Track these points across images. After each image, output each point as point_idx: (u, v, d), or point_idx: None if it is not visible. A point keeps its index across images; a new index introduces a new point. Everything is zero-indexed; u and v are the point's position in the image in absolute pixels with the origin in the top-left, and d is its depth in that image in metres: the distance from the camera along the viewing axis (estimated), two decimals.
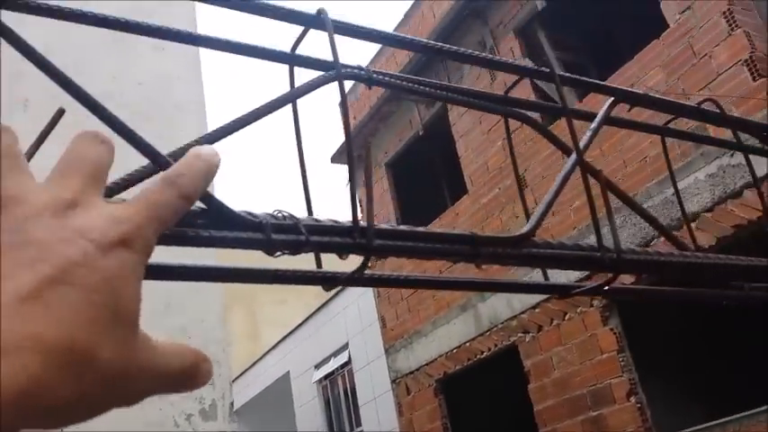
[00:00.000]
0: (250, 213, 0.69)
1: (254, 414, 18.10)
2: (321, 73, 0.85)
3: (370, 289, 12.89)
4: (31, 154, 0.60)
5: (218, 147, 0.62)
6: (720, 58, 7.11)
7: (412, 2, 11.63)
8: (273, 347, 17.00)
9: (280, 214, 0.72)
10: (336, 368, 14.21)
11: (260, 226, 0.67)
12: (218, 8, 0.74)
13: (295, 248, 0.69)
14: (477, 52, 0.96)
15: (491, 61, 0.96)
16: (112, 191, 0.56)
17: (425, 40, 0.87)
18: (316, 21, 0.83)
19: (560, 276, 6.06)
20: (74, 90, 0.62)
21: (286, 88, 0.82)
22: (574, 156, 0.85)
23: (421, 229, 0.72)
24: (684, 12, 7.58)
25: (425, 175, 12.72)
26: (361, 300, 13.24)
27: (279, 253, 0.72)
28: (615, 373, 7.90)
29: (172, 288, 4.94)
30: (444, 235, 0.70)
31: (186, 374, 0.40)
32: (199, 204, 0.68)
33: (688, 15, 7.53)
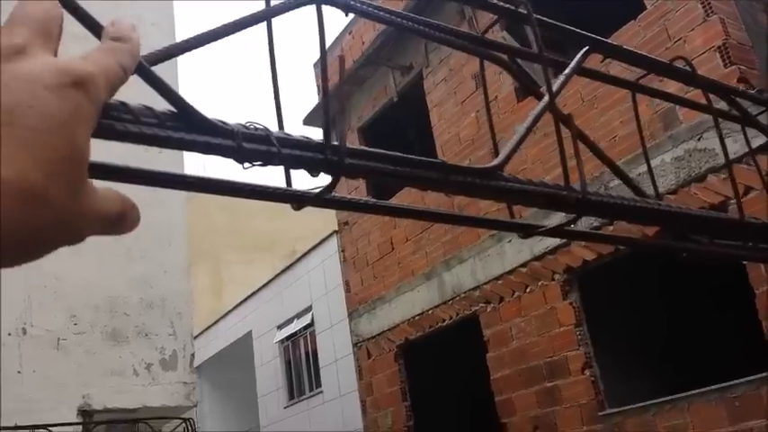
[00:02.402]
0: (221, 121, 0.69)
1: (215, 371, 18.16)
2: None
3: (336, 253, 12.92)
4: None
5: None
6: (694, 43, 7.18)
7: None
8: (237, 306, 17.02)
9: (252, 125, 0.72)
10: (299, 330, 14.28)
11: (231, 133, 0.67)
12: None
13: (266, 160, 0.69)
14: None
15: None
16: None
17: None
18: None
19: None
20: None
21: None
22: (546, 98, 0.86)
23: (393, 153, 0.73)
24: None
25: (397, 142, 12.71)
26: (326, 263, 13.27)
27: (248, 165, 0.72)
28: (572, 346, 8.07)
29: (137, 237, 4.89)
30: (415, 160, 0.71)
31: (118, 219, 0.42)
32: (169, 107, 0.68)
33: None
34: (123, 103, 0.61)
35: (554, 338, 8.28)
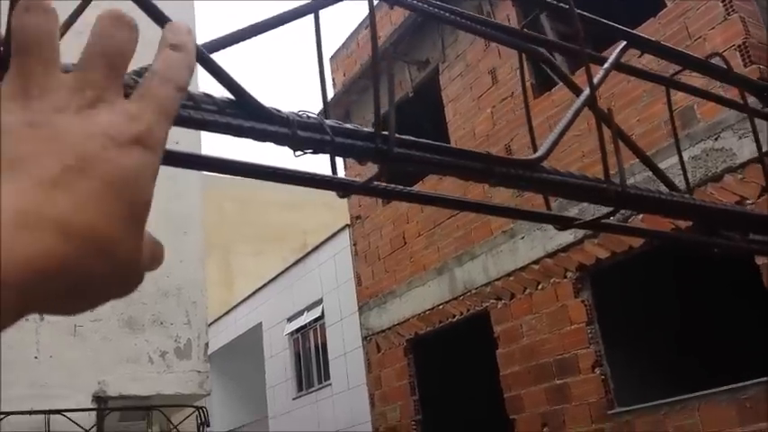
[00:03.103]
0: (276, 109, 0.70)
1: (225, 362, 18.25)
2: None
3: (347, 246, 12.95)
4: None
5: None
6: (714, 41, 7.14)
7: None
8: (247, 298, 17.09)
9: (304, 114, 0.73)
10: (309, 322, 14.33)
11: (287, 121, 0.69)
12: None
13: (319, 147, 0.71)
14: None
15: None
16: None
17: None
18: None
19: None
20: None
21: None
22: (586, 92, 0.87)
23: (440, 143, 0.74)
24: None
25: (414, 137, 12.70)
26: (337, 257, 13.30)
27: (299, 153, 0.73)
28: (582, 344, 8.06)
29: (154, 226, 4.91)
30: (461, 151, 0.72)
31: (152, 259, 0.41)
32: (228, 95, 0.69)
33: None
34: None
35: (565, 336, 8.28)
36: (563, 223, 0.88)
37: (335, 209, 19.53)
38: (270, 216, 21.47)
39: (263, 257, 20.47)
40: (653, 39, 1.01)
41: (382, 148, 0.70)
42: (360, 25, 12.72)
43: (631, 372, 8.05)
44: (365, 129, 0.72)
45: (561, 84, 0.93)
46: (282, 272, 15.52)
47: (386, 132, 0.71)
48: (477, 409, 11.01)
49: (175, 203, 4.70)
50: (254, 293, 16.77)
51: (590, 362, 7.98)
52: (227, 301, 18.24)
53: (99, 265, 0.34)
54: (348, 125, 0.74)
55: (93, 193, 0.34)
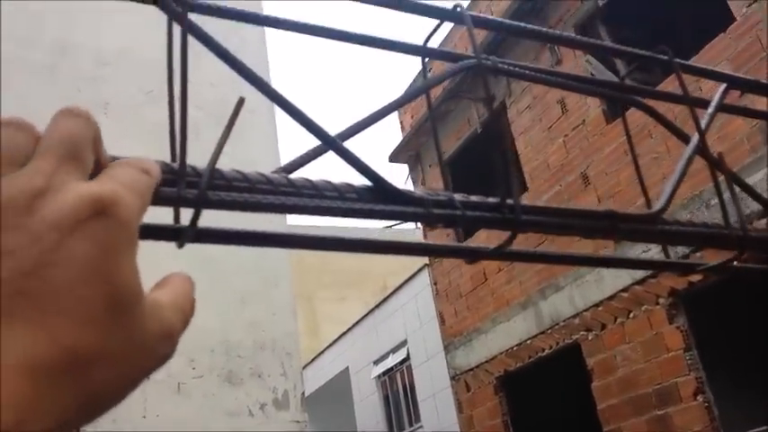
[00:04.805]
0: (409, 191, 0.75)
1: (315, 408, 18.35)
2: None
3: (428, 286, 12.93)
4: (219, 148, 0.58)
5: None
6: None
7: (468, 2, 11.62)
8: (333, 343, 17.23)
9: (433, 192, 0.78)
10: (395, 364, 14.30)
11: (421, 201, 0.74)
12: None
13: (451, 222, 0.75)
14: (588, 39, 1.00)
15: (604, 47, 1.00)
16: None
17: (553, 32, 0.92)
18: (452, 15, 0.89)
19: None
20: (260, 85, 0.69)
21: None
22: (695, 139, 0.89)
23: (561, 206, 0.77)
24: (752, 5, 7.39)
25: (483, 173, 12.69)
26: (419, 297, 13.29)
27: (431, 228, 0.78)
28: (681, 371, 7.76)
29: (246, 283, 5.11)
30: (584, 212, 0.75)
31: (186, 312, 0.38)
32: (365, 182, 0.75)
33: (755, 9, 7.35)
34: (328, 182, 0.69)
35: (662, 364, 7.99)
36: (686, 270, 0.89)
37: None
38: (349, 262, 21.70)
39: (345, 303, 20.65)
40: (752, 78, 1.02)
41: (509, 217, 0.74)
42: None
43: (736, 397, 7.67)
44: (490, 199, 0.77)
45: (633, 108, 0.94)
46: (366, 315, 15.61)
47: (511, 201, 0.75)
48: None
49: (264, 259, 4.84)
50: (339, 338, 16.91)
51: (691, 389, 7.66)
52: (314, 349, 18.43)
53: (85, 384, 0.30)
54: (474, 198, 0.79)
55: (57, 309, 0.30)
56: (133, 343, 0.32)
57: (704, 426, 7.50)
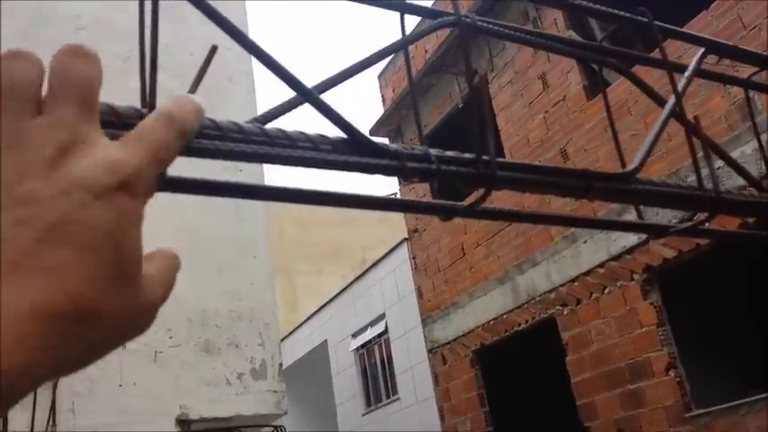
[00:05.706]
0: (384, 144, 0.75)
1: (293, 381, 18.46)
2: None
3: (407, 260, 12.98)
4: (192, 92, 0.62)
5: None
6: None
7: None
8: (311, 316, 17.28)
9: (408, 146, 0.78)
10: (373, 337, 14.40)
11: (396, 154, 0.73)
12: None
13: (426, 176, 0.75)
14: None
15: (583, 8, 1.00)
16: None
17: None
18: None
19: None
20: (236, 35, 0.68)
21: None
22: (671, 102, 0.89)
23: (537, 163, 0.77)
24: None
25: (465, 149, 12.69)
26: (397, 271, 13.35)
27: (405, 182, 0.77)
28: (654, 346, 7.89)
29: (225, 253, 5.09)
30: (559, 169, 0.75)
31: (168, 288, 0.39)
32: (341, 134, 0.74)
33: None
34: (303, 132, 0.68)
35: (636, 339, 8.12)
36: (658, 232, 0.90)
37: (391, 223, 19.61)
38: (327, 234, 21.70)
39: (323, 276, 20.68)
40: (731, 44, 1.02)
41: (485, 172, 0.74)
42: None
43: (707, 372, 7.83)
44: (466, 155, 0.77)
45: (613, 83, 0.94)
46: (344, 289, 15.66)
47: (486, 157, 0.75)
48: (549, 417, 10.86)
49: (243, 229, 4.82)
50: (317, 311, 16.96)
51: (663, 364, 7.80)
52: (292, 321, 18.48)
53: (86, 334, 0.32)
54: (449, 153, 0.79)
55: (71, 262, 0.31)
56: (126, 309, 0.34)
57: (675, 400, 7.65)
